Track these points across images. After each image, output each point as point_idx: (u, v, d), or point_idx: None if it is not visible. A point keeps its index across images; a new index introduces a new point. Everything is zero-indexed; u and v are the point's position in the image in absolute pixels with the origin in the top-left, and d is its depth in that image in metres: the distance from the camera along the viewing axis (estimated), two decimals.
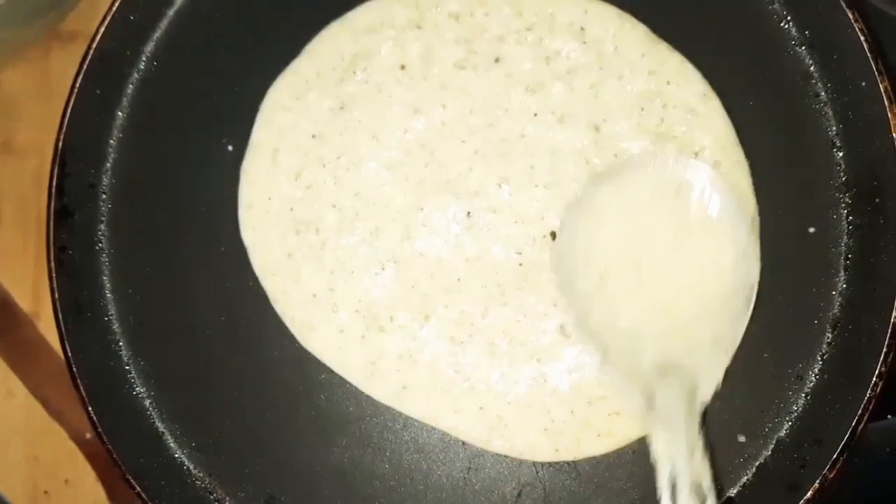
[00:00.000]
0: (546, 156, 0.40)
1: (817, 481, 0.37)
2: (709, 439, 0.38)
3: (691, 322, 0.36)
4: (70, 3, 0.51)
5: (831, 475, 0.37)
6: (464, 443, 0.40)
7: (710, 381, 0.36)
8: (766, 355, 0.40)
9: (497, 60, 0.41)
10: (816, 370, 0.40)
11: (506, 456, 0.40)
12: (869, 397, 0.37)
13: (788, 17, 0.40)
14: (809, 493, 0.37)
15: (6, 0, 0.41)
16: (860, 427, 0.37)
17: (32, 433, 0.49)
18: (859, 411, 0.37)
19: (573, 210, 0.37)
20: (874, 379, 0.37)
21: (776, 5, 0.40)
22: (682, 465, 0.33)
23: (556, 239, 0.37)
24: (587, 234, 0.36)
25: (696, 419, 0.35)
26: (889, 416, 0.45)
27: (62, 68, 0.48)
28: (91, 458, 0.48)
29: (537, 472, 0.40)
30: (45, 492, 0.49)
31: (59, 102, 0.40)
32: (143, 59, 0.42)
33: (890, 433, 0.45)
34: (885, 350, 0.37)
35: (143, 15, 0.41)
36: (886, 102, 0.37)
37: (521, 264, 0.40)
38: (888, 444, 0.45)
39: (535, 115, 0.40)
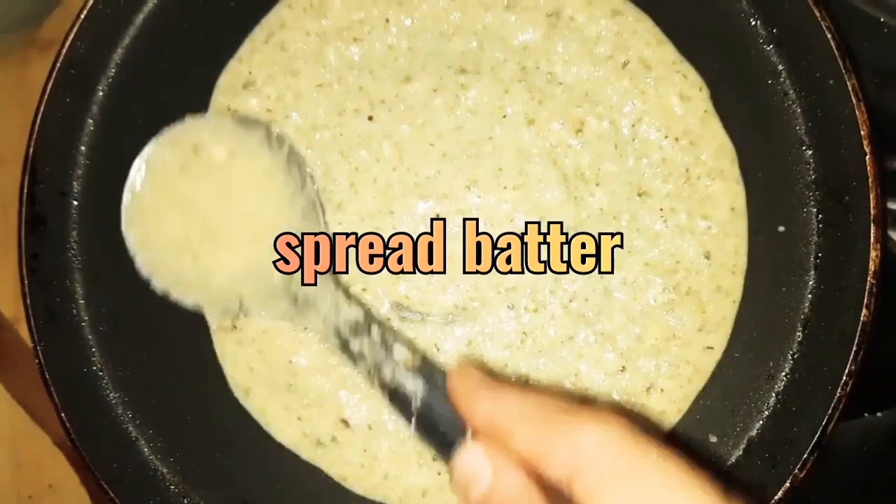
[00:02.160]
0: (514, 158, 0.40)
1: (787, 481, 0.37)
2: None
3: (280, 221, 0.37)
4: (45, 11, 0.52)
5: (802, 475, 0.37)
6: None
7: None
8: (736, 355, 0.40)
9: (469, 62, 0.41)
10: (787, 370, 0.39)
11: None
12: (839, 397, 0.36)
13: (756, 16, 0.40)
14: (780, 493, 0.37)
15: None
16: (830, 426, 0.36)
17: (16, 438, 0.49)
18: (829, 411, 0.36)
19: (133, 233, 0.38)
20: (844, 378, 0.36)
21: (743, 3, 0.40)
22: (335, 319, 0.35)
23: (137, 259, 0.38)
24: (155, 237, 0.37)
25: (331, 283, 0.37)
26: (865, 415, 0.45)
27: (40, 75, 0.48)
28: (74, 462, 0.48)
29: None
30: (30, 497, 0.50)
31: None
32: (113, 66, 0.42)
33: (865, 431, 0.45)
34: (854, 349, 0.36)
35: (111, 23, 0.41)
36: (854, 100, 0.37)
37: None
38: (863, 441, 0.45)
39: (505, 116, 0.40)
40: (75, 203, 0.41)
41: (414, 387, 0.30)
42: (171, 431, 0.41)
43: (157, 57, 0.42)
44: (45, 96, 0.40)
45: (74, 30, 0.40)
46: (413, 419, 0.29)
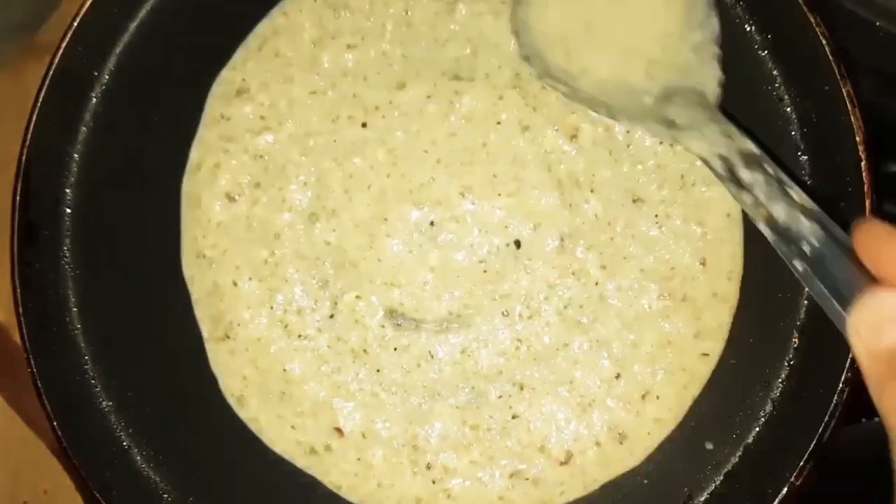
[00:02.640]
0: (508, 164, 0.40)
1: (784, 488, 0.37)
2: (678, 446, 0.38)
3: (665, 48, 0.37)
4: (42, 17, 0.51)
5: (798, 482, 0.36)
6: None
7: (710, 82, 0.38)
8: (732, 362, 0.40)
9: (463, 69, 0.41)
10: (783, 376, 0.39)
11: None
12: (836, 403, 0.36)
13: (751, 21, 0.40)
14: (776, 501, 0.37)
15: None
16: (826, 434, 0.36)
17: (11, 444, 0.48)
18: (826, 418, 0.36)
19: (519, 12, 0.39)
20: (841, 385, 0.36)
21: (738, 10, 0.40)
22: (723, 149, 0.35)
23: (517, 38, 0.39)
24: (537, 22, 0.38)
25: (718, 114, 0.37)
26: (864, 420, 0.45)
27: (37, 81, 0.48)
28: (69, 468, 0.48)
29: None
30: (25, 502, 0.49)
31: None
32: (106, 73, 0.42)
33: (863, 436, 0.45)
34: (851, 356, 0.36)
35: (105, 30, 0.41)
36: (850, 106, 0.37)
37: (485, 271, 0.40)
38: (862, 446, 0.45)
39: (499, 123, 0.40)
40: (69, 211, 0.41)
41: (808, 230, 0.30)
42: (165, 440, 0.41)
43: (150, 64, 0.41)
44: (39, 102, 0.40)
45: (68, 36, 0.40)
46: (804, 263, 0.29)
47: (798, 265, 0.29)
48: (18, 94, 0.51)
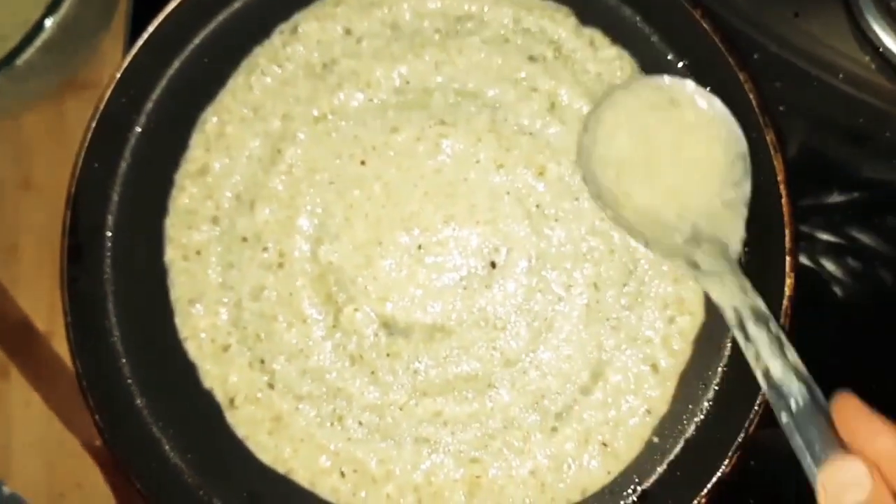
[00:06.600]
0: (485, 197, 0.46)
1: (716, 474, 0.42)
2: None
3: (701, 198, 0.42)
4: (82, 57, 0.58)
5: (728, 470, 0.42)
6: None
7: (735, 238, 0.42)
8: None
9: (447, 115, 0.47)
10: (718, 380, 0.45)
11: None
12: (759, 403, 0.42)
13: (691, 77, 0.46)
14: (709, 485, 0.43)
15: (23, 62, 0.47)
16: (751, 429, 0.42)
17: (49, 441, 0.54)
18: (751, 415, 0.42)
19: (585, 132, 0.43)
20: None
21: (681, 67, 0.46)
22: (738, 301, 0.39)
23: (578, 155, 0.44)
24: (603, 145, 0.43)
25: (737, 268, 0.41)
26: None
27: (75, 114, 0.54)
28: (100, 463, 0.53)
29: None
30: (61, 494, 0.54)
31: (73, 144, 0.46)
32: (143, 117, 0.48)
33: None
34: None
35: (143, 80, 0.48)
36: (772, 151, 0.43)
37: (464, 288, 0.46)
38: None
39: (478, 161, 0.47)
40: (109, 234, 0.48)
41: (797, 391, 0.34)
42: (190, 433, 0.47)
43: (182, 108, 0.48)
44: (86, 144, 0.46)
45: (111, 87, 0.46)
46: (789, 417, 0.34)
47: (784, 418, 0.34)
48: (59, 127, 0.57)
